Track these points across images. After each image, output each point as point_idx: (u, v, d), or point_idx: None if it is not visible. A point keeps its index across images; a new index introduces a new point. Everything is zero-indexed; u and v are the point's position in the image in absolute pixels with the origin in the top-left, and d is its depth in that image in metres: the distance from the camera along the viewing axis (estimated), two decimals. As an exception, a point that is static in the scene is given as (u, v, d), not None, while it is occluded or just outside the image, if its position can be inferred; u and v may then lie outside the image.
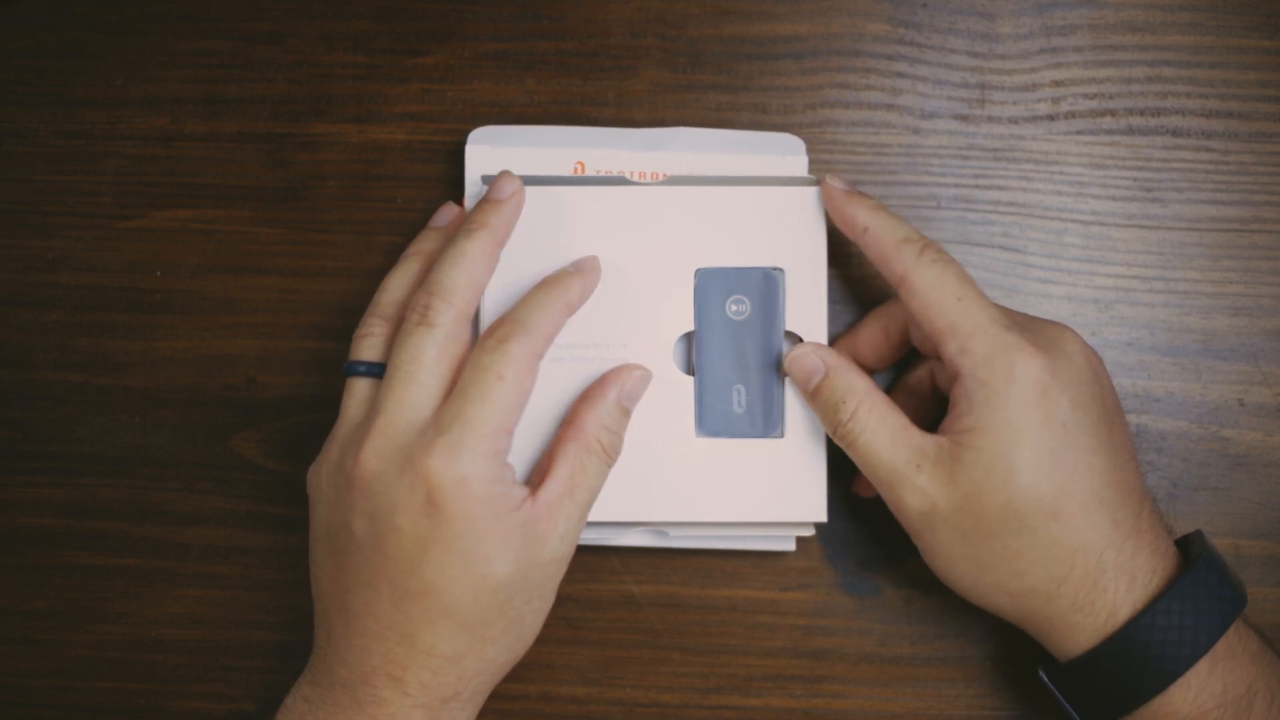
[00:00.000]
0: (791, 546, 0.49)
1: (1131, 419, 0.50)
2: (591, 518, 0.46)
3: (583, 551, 0.51)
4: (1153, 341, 0.51)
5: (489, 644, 0.43)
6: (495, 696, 0.50)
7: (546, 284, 0.44)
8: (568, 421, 0.45)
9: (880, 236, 0.44)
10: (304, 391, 0.51)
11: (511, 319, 0.43)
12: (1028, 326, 0.44)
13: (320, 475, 0.44)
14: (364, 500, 0.42)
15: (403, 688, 0.42)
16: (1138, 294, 0.51)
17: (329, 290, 0.51)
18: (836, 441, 0.45)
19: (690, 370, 0.47)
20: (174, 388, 0.51)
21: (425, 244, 0.48)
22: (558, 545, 0.43)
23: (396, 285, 0.47)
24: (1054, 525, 0.41)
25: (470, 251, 0.44)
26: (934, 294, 0.43)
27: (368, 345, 0.45)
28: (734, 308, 0.47)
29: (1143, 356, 0.51)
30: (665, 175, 0.48)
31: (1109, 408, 0.43)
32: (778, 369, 0.46)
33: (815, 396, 0.45)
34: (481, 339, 0.43)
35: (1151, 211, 0.51)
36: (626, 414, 0.45)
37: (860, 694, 0.50)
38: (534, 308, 0.43)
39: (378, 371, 0.45)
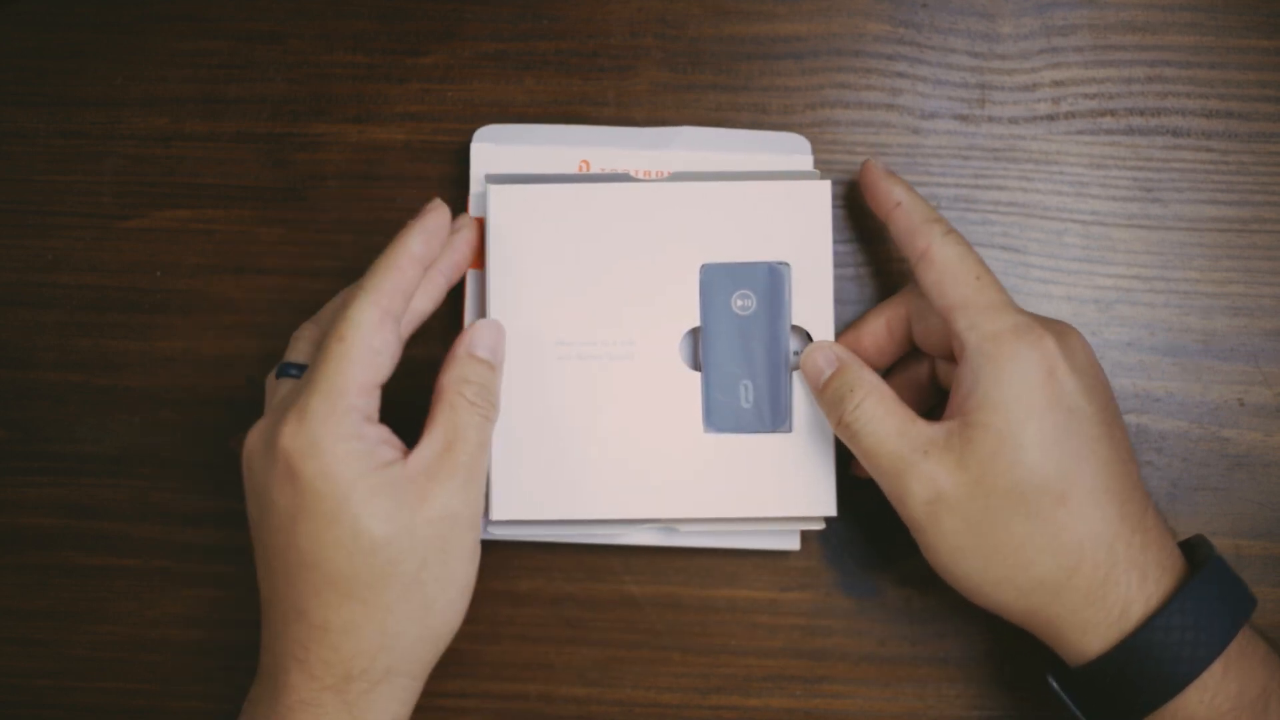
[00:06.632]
0: (796, 545, 0.49)
1: (1131, 419, 0.50)
2: (600, 515, 0.46)
3: (582, 551, 0.51)
4: (1153, 342, 0.51)
5: (385, 614, 0.42)
6: (494, 697, 0.50)
7: (391, 243, 0.44)
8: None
9: (910, 212, 0.45)
10: (304, 391, 0.51)
11: (356, 285, 0.43)
12: (1036, 317, 0.44)
13: None
14: (249, 483, 0.43)
15: (308, 670, 0.42)
16: (1138, 294, 0.51)
17: (329, 290, 0.51)
18: (840, 435, 0.45)
19: (697, 366, 0.47)
20: (174, 388, 0.51)
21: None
22: (446, 502, 0.42)
23: None
24: (1061, 511, 0.41)
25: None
26: (952, 268, 0.43)
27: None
28: (740, 303, 0.46)
29: (1143, 356, 0.51)
30: (669, 173, 0.48)
31: (1111, 407, 0.43)
32: (785, 364, 0.46)
33: (823, 392, 0.45)
34: None
35: (1151, 211, 0.51)
36: (482, 362, 0.44)
37: (860, 694, 0.50)
38: (374, 268, 0.43)
39: None
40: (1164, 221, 0.51)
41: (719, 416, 0.47)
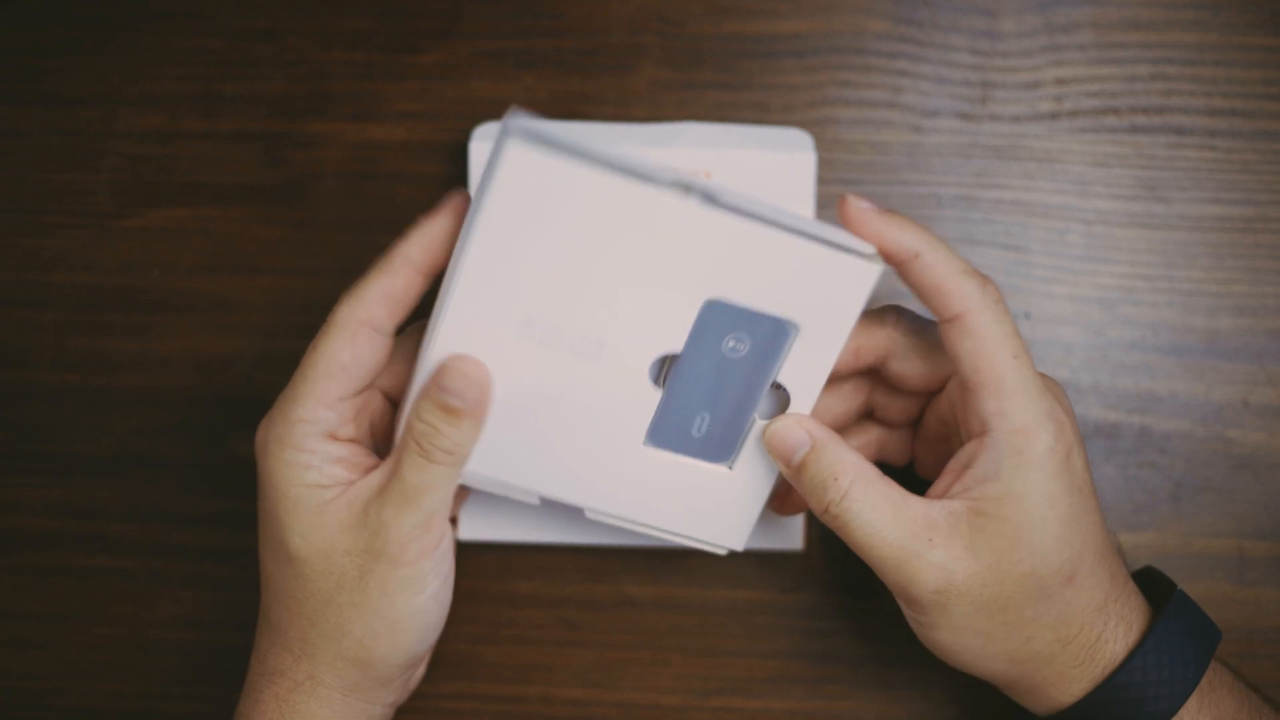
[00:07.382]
0: (800, 545, 0.49)
1: (1135, 420, 0.50)
2: (509, 477, 0.43)
3: (582, 552, 0.50)
4: (1156, 341, 0.50)
5: (306, 624, 0.41)
6: (493, 699, 0.50)
7: (393, 243, 0.41)
8: None
9: (935, 265, 0.39)
10: (302, 392, 0.51)
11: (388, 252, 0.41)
12: (1043, 386, 0.41)
13: None
14: None
15: (258, 652, 0.43)
16: (1141, 294, 0.50)
17: (327, 290, 0.51)
18: (827, 523, 0.41)
19: (660, 384, 0.43)
20: (171, 388, 0.51)
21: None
22: (370, 537, 0.40)
23: None
24: (1069, 589, 0.40)
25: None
26: (992, 343, 0.39)
27: None
28: (731, 344, 0.42)
29: (1146, 356, 0.50)
30: (708, 174, 0.47)
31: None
32: (752, 411, 0.43)
33: (800, 474, 0.41)
34: None
35: (1155, 210, 0.51)
36: (445, 409, 0.40)
37: (862, 696, 0.50)
38: (370, 269, 0.41)
39: None
40: (1167, 221, 0.50)
41: (664, 436, 0.43)
